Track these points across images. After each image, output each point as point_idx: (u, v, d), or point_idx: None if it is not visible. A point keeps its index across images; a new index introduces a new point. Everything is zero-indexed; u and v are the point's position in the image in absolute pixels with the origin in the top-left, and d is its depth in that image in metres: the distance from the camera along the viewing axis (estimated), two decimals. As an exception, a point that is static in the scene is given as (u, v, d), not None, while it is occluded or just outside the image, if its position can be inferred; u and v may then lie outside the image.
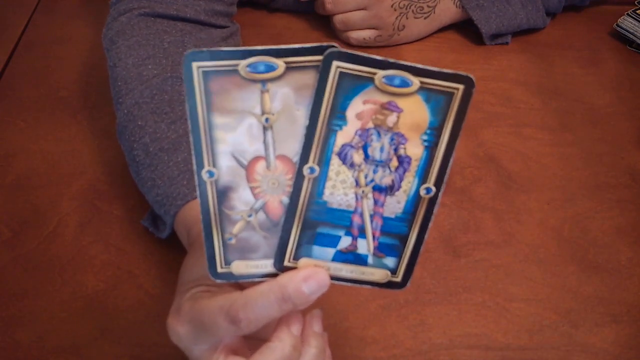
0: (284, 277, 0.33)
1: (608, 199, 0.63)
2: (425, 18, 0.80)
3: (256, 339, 0.36)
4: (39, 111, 0.70)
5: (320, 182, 0.33)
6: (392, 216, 0.35)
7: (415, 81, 0.31)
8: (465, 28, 0.83)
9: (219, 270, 0.35)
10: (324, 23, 0.83)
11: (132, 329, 0.50)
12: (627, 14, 0.83)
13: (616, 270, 0.56)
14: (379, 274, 0.36)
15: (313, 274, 0.33)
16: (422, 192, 0.34)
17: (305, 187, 0.33)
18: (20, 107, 0.70)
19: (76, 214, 0.58)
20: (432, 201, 0.34)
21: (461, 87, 0.31)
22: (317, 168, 0.33)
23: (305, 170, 0.33)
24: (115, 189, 0.61)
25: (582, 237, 0.59)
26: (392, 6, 0.76)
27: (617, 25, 0.84)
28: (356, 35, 0.79)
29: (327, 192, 0.34)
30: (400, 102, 0.32)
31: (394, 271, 0.36)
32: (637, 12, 0.83)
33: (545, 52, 0.82)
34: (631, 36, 0.83)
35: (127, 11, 0.61)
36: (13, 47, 0.79)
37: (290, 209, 0.34)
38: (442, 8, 0.80)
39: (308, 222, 0.34)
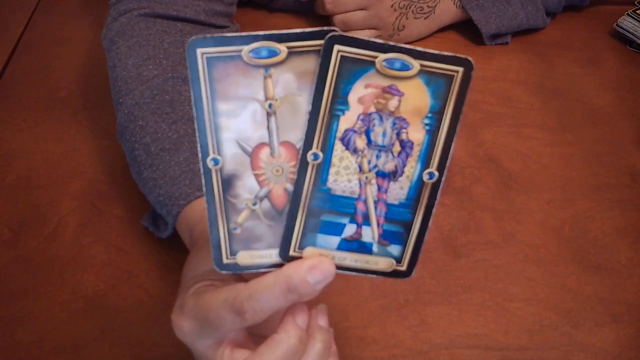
0: (289, 268, 0.33)
1: (608, 199, 0.63)
2: (425, 18, 0.80)
3: (260, 336, 0.36)
4: (39, 111, 0.70)
5: (323, 168, 0.33)
6: (396, 203, 0.34)
7: (416, 64, 0.31)
8: (465, 28, 0.83)
9: (225, 261, 0.35)
10: (324, 23, 0.83)
11: (132, 329, 0.50)
12: (627, 14, 0.83)
13: (616, 270, 0.56)
14: (383, 263, 0.36)
15: (318, 263, 0.33)
16: (425, 177, 0.34)
17: (309, 173, 0.33)
18: (20, 107, 0.70)
19: (76, 214, 0.58)
20: (435, 186, 0.34)
21: (461, 69, 0.31)
22: (320, 154, 0.33)
23: (309, 157, 0.33)
24: (115, 189, 0.61)
25: (582, 237, 0.59)
26: (392, 6, 0.76)
27: (617, 25, 0.84)
28: (356, 35, 0.79)
29: (330, 178, 0.34)
30: (401, 86, 0.32)
31: (398, 260, 0.36)
32: (637, 12, 0.83)
33: (545, 52, 0.82)
34: (631, 36, 0.83)
35: (127, 12, 0.61)
36: (13, 47, 0.79)
37: (295, 197, 0.34)
38: (442, 8, 0.80)
39: (312, 209, 0.34)
